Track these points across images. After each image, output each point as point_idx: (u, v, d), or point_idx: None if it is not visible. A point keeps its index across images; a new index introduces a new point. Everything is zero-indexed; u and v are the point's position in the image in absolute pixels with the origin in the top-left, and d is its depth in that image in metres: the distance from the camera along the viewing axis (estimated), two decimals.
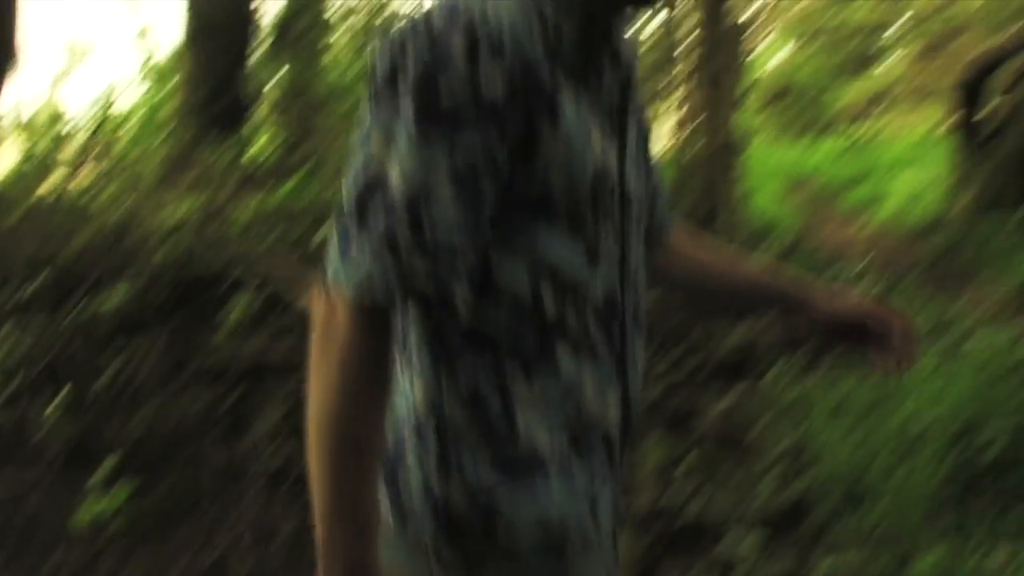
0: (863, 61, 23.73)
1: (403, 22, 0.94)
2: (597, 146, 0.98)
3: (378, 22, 8.87)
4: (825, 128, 18.05)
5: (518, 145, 0.92)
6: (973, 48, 11.07)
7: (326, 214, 3.88)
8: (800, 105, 17.06)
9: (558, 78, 0.94)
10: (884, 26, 24.05)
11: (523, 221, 0.95)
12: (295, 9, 7.10)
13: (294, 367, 2.98)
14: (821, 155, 13.77)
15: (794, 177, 11.90)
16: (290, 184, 4.65)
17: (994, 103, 8.13)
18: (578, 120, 0.96)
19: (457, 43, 0.88)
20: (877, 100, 21.31)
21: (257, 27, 6.76)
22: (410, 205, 0.88)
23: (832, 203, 10.52)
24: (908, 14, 21.85)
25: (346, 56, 8.54)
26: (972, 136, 7.99)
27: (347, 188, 0.92)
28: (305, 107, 6.95)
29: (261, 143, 6.79)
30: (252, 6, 6.61)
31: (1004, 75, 8.10)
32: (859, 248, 8.15)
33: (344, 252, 0.90)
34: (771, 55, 22.11)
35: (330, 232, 0.94)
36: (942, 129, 10.27)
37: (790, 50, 24.52)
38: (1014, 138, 7.36)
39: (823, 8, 22.50)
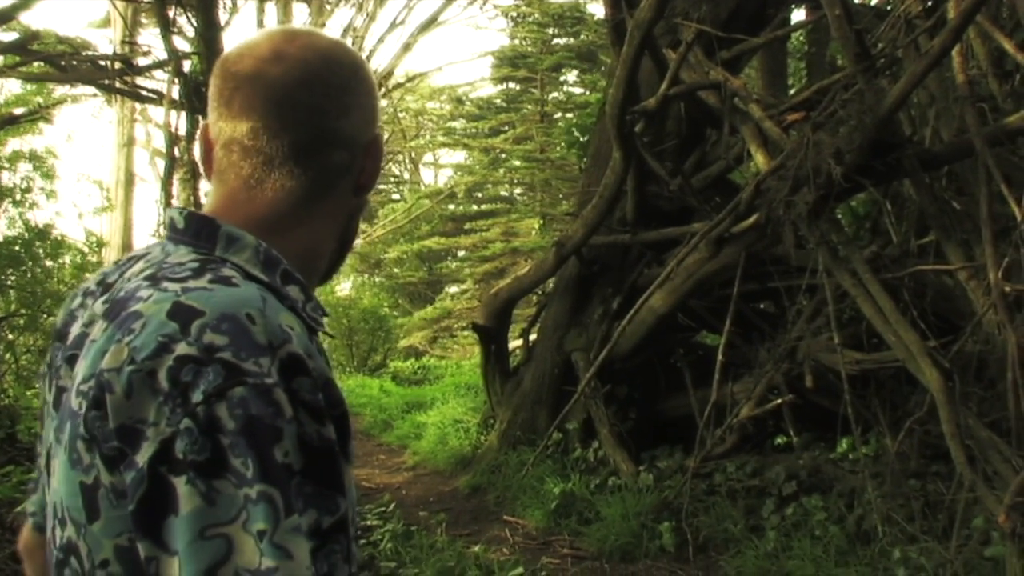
0: (431, 287, 25.43)
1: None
2: None
3: None
4: (388, 354, 18.64)
5: None
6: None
7: None
8: (364, 330, 17.56)
9: None
10: (448, 254, 26.23)
11: None
12: None
13: None
14: (377, 386, 13.98)
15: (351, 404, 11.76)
16: None
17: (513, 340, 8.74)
18: None
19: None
20: (440, 328, 22.69)
21: None
22: None
23: (380, 435, 10.51)
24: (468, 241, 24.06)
25: None
26: (500, 372, 8.42)
27: None
28: None
29: None
30: None
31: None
32: (397, 483, 8.07)
33: None
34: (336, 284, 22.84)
35: None
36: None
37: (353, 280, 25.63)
38: (530, 378, 7.87)
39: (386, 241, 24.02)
